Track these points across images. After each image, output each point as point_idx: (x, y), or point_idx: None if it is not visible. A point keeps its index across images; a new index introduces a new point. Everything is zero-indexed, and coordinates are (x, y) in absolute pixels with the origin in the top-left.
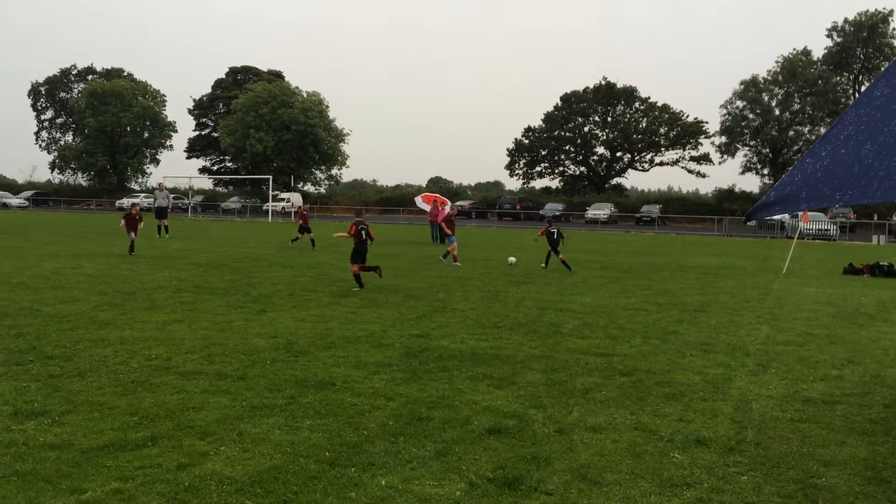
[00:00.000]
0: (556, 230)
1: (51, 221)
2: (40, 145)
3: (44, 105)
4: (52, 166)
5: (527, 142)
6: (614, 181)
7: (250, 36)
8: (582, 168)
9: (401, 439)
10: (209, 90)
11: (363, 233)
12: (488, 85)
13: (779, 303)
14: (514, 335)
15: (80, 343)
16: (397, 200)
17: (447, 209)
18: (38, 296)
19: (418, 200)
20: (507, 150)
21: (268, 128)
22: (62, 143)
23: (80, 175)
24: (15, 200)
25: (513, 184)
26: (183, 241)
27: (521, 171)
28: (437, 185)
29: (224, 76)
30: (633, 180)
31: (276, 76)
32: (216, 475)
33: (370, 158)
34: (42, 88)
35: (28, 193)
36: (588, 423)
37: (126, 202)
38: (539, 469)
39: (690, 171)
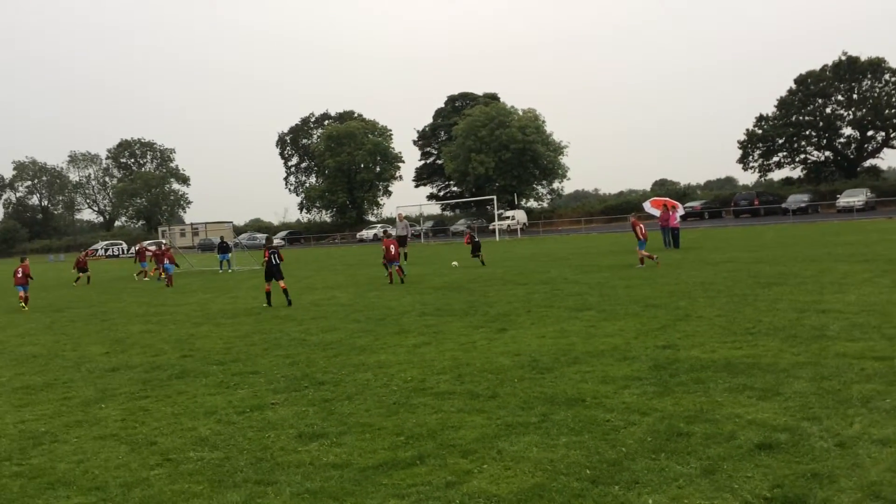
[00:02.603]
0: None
1: (304, 257)
2: (289, 189)
3: (289, 152)
4: (301, 207)
5: (760, 131)
6: (867, 163)
7: (465, 63)
8: (827, 153)
9: (662, 456)
10: (430, 120)
11: (274, 257)
12: (708, 76)
13: None
14: (772, 341)
15: (344, 368)
16: (622, 208)
17: (679, 212)
18: (304, 326)
19: (647, 206)
20: (739, 142)
21: (488, 149)
22: (307, 184)
23: (324, 212)
24: (273, 241)
25: (747, 177)
26: (420, 266)
27: (756, 164)
28: (663, 187)
29: (443, 105)
30: (891, 160)
31: (492, 98)
32: (483, 493)
33: (591, 168)
34: (287, 137)
35: (283, 233)
36: (874, 436)
37: (365, 234)
38: (823, 487)
39: None
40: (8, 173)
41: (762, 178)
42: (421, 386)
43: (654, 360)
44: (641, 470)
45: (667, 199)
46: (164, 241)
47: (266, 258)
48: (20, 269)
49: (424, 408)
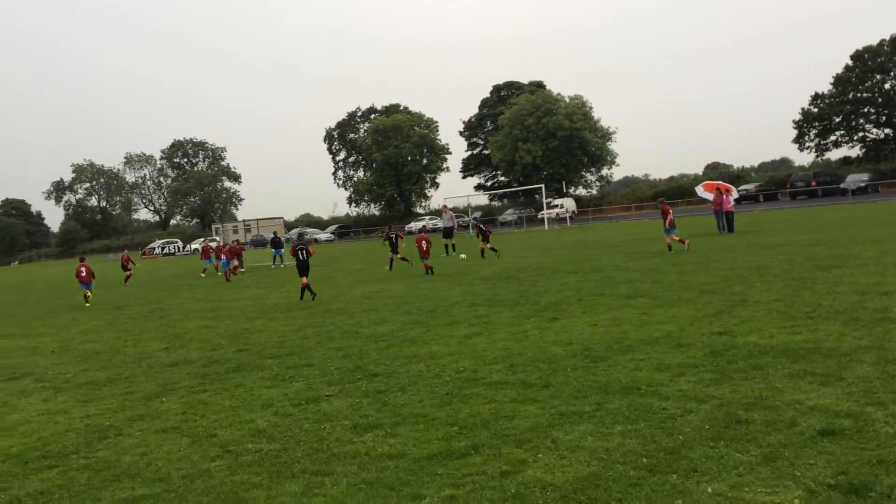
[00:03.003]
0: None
1: (354, 250)
2: (337, 183)
3: (337, 147)
4: (349, 201)
5: (816, 110)
6: None
7: (510, 52)
8: (886, 130)
9: (721, 444)
10: (476, 110)
11: (300, 253)
12: (760, 53)
13: None
14: (832, 325)
15: (396, 360)
16: (672, 193)
17: (733, 196)
18: (356, 319)
19: (699, 190)
20: (794, 121)
21: (534, 138)
22: (355, 178)
23: (372, 206)
24: (323, 235)
25: (803, 158)
26: (468, 257)
27: (812, 144)
28: (716, 170)
29: (489, 95)
30: None
31: (538, 86)
32: (538, 482)
33: (640, 153)
34: (335, 133)
35: (333, 228)
36: None
37: (414, 226)
38: (889, 474)
39: None
40: (67, 176)
41: (819, 159)
42: (473, 376)
43: (709, 347)
44: (699, 458)
45: (720, 182)
46: (217, 238)
47: (292, 254)
48: (83, 267)
49: (477, 398)
